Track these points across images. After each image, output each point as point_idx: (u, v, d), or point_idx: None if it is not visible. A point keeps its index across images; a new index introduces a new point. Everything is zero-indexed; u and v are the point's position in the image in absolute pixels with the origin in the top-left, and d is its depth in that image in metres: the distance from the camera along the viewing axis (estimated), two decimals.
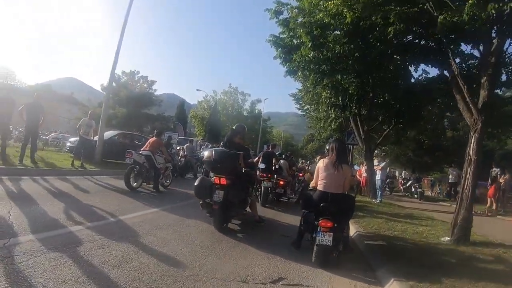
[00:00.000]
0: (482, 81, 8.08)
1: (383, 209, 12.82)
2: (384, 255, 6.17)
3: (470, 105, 7.99)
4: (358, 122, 17.59)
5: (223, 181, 6.79)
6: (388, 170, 23.13)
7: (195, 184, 7.02)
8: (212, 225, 6.97)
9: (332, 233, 5.27)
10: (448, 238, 7.77)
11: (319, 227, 5.33)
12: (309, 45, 11.10)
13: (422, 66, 13.08)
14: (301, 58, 12.08)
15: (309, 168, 16.17)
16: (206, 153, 7.51)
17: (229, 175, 6.84)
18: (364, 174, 19.61)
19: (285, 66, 14.27)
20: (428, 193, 27.07)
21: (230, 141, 7.59)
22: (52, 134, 37.50)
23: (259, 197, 11.60)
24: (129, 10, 17.39)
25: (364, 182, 19.81)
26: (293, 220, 9.18)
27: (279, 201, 13.02)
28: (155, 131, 12.95)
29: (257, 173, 11.07)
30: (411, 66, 13.78)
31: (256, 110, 65.59)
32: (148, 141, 12.05)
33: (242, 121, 60.39)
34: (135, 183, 10.73)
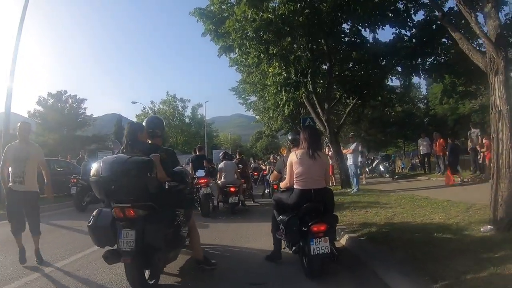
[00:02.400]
0: (487, 10, 6.06)
1: (368, 200, 10.61)
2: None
3: (483, 39, 5.97)
4: (316, 103, 14.90)
5: (130, 212, 3.96)
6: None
7: (88, 223, 4.16)
8: None
9: (327, 237, 4.45)
10: (490, 227, 5.57)
11: (310, 234, 4.41)
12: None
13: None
14: (237, 26, 9.42)
15: (271, 167, 14.32)
16: (92, 168, 4.33)
17: (138, 201, 4.03)
18: (329, 162, 17.27)
19: (218, 43, 11.66)
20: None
21: (133, 141, 4.58)
22: None
23: (199, 208, 10.16)
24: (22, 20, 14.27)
25: (330, 171, 17.49)
26: (260, 240, 6.71)
27: (235, 213, 10.67)
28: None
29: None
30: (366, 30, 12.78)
31: (199, 116, 64.01)
32: None
33: (185, 130, 58.52)
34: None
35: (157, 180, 4.19)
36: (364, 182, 16.48)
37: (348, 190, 13.36)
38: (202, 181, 10.17)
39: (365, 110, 21.32)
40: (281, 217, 5.01)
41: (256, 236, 7.15)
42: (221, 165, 11.49)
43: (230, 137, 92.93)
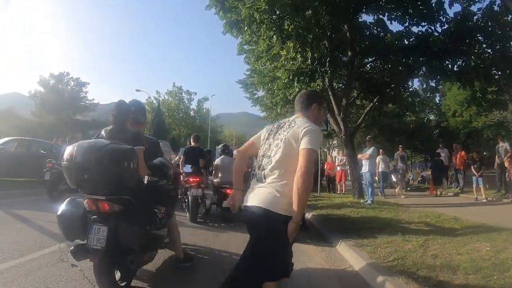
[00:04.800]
0: None
1: (386, 215, 8.93)
2: None
3: None
4: (332, 99, 12.92)
5: (104, 206, 3.57)
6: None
7: (58, 213, 3.73)
8: None
9: None
10: None
11: None
12: None
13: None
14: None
15: None
16: (65, 152, 3.66)
17: (114, 194, 3.58)
18: (341, 167, 15.64)
19: (224, 18, 10.09)
20: None
21: (121, 127, 4.06)
22: None
23: (187, 211, 8.65)
24: None
25: (341, 177, 15.79)
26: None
27: (228, 219, 8.78)
28: None
29: (181, 179, 8.13)
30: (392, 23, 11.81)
31: (204, 109, 62.63)
32: None
33: (190, 123, 57.19)
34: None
35: (137, 173, 3.72)
36: (402, 196, 14.50)
37: (361, 201, 11.63)
38: (193, 179, 8.55)
39: (381, 113, 19.66)
40: None
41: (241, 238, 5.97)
42: (217, 161, 9.76)
43: (235, 134, 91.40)
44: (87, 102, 56.28)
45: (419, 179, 26.55)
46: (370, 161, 11.65)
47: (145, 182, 4.09)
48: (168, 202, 4.60)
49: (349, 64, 11.94)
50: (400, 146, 17.70)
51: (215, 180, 9.46)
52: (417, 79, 14.55)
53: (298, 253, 5.65)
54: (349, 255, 5.52)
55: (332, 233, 6.96)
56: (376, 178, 14.36)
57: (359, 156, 12.57)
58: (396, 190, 15.66)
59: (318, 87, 11.39)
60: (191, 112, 62.17)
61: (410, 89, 14.92)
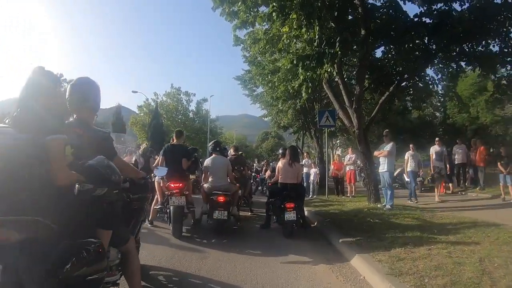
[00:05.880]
0: None
1: (416, 223, 7.54)
2: None
3: None
4: (342, 88, 11.26)
5: None
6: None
7: None
8: None
9: (295, 211, 7.00)
10: None
11: (285, 209, 6.99)
12: None
13: None
14: None
15: (270, 166, 16.82)
16: None
17: (10, 214, 2.16)
18: (350, 167, 14.00)
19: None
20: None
21: (30, 108, 2.47)
22: None
23: (169, 222, 7.13)
24: None
25: (351, 178, 14.14)
26: (245, 275, 4.80)
27: (220, 233, 7.25)
28: None
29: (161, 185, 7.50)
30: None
31: (203, 111, 61.14)
32: None
33: (189, 125, 55.76)
34: None
35: (51, 178, 2.38)
36: (436, 199, 12.21)
37: (379, 206, 10.06)
38: (174, 185, 7.06)
39: (391, 107, 17.96)
40: (270, 200, 7.97)
41: (242, 271, 4.92)
42: (207, 161, 8.00)
43: (235, 136, 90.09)
44: None
45: (429, 178, 24.89)
46: (389, 159, 10.00)
47: (75, 192, 2.52)
48: (125, 220, 3.25)
49: (362, 46, 10.16)
50: (437, 139, 14.77)
51: (205, 185, 7.78)
52: (432, 68, 12.72)
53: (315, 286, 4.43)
54: None
55: (354, 251, 5.38)
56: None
57: (375, 153, 10.89)
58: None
59: (326, 73, 9.71)
60: (190, 114, 60.40)
61: (427, 78, 13.09)
